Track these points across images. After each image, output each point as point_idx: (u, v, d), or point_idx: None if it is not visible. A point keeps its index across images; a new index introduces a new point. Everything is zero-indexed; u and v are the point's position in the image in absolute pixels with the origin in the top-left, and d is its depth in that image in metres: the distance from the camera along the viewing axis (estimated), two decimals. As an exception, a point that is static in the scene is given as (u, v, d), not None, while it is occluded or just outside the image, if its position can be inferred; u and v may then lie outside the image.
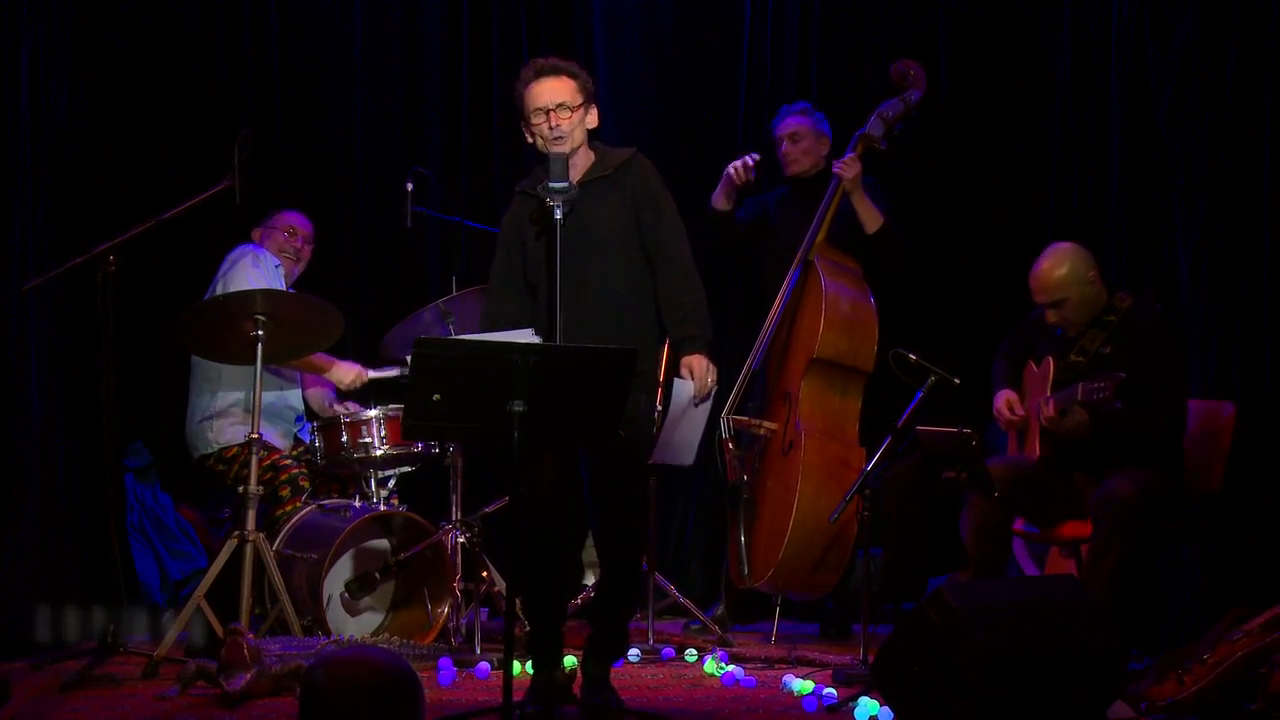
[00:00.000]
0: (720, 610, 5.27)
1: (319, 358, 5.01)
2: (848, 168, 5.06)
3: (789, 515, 4.84)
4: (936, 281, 5.82)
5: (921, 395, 4.29)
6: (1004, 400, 4.62)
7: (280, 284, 4.95)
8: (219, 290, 4.84)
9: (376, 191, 5.98)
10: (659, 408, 4.46)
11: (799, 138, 5.27)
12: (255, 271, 4.87)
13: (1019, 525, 4.67)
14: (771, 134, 5.39)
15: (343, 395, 5.19)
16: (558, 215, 3.69)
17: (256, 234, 5.10)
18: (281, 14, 5.95)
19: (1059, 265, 4.46)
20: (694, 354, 3.86)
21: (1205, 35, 4.86)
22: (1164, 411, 4.37)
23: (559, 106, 3.79)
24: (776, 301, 5.10)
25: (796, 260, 5.07)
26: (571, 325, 3.66)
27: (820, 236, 5.09)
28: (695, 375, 3.85)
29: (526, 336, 3.59)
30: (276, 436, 5.03)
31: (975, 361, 4.85)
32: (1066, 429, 4.36)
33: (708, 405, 3.94)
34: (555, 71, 3.83)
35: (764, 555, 4.94)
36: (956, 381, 4.30)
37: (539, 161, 3.88)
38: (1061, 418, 4.35)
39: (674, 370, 3.95)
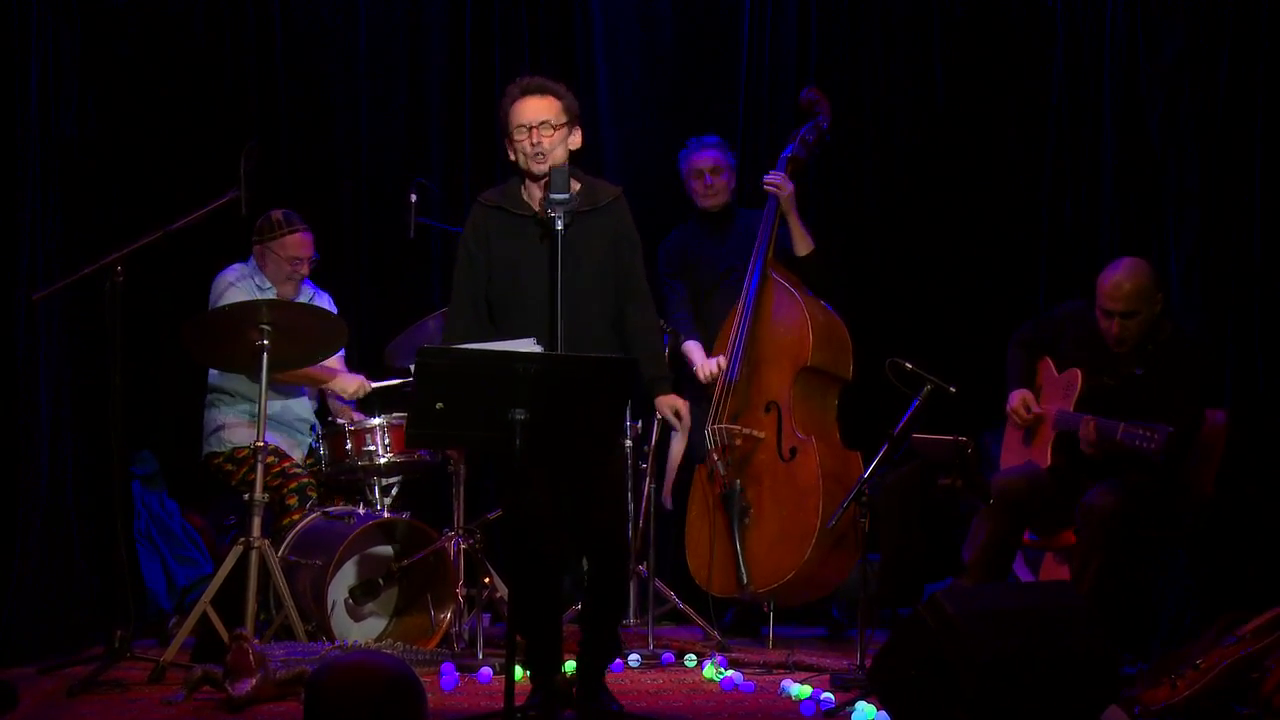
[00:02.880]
0: (733, 617, 5.33)
1: (319, 370, 5.04)
2: (783, 186, 5.15)
3: (815, 518, 4.89)
4: (931, 290, 5.87)
5: (918, 403, 4.33)
6: (1020, 399, 4.55)
7: None
8: None
9: (380, 202, 6.03)
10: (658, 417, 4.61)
11: (720, 171, 5.37)
12: (237, 299, 4.84)
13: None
14: (680, 164, 5.45)
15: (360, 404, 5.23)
16: (559, 226, 3.75)
17: (259, 250, 5.02)
18: (286, 27, 6.00)
19: (1140, 277, 4.35)
20: (669, 394, 3.97)
21: (1196, 49, 4.91)
22: (1190, 440, 4.31)
23: (542, 124, 3.83)
24: (736, 319, 5.15)
25: (750, 275, 5.14)
26: (566, 336, 3.71)
27: (769, 253, 5.17)
28: (683, 418, 3.96)
29: (528, 346, 3.64)
30: (290, 446, 5.07)
31: (970, 370, 4.89)
32: (1105, 453, 4.30)
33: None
34: (541, 90, 3.88)
35: (778, 559, 4.97)
36: (952, 390, 4.33)
37: (514, 174, 3.94)
38: (1102, 445, 4.27)
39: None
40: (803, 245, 5.23)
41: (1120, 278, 4.37)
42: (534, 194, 3.90)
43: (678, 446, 3.99)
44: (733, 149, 5.51)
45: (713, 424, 5.12)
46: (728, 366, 5.14)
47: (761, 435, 5.09)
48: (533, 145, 3.83)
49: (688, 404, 4.01)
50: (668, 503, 5.00)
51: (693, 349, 5.29)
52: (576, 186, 3.89)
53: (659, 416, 4.04)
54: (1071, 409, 4.44)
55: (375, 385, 5.11)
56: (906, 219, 5.99)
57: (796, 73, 6.06)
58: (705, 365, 5.20)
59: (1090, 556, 4.26)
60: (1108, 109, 5.25)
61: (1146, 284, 4.37)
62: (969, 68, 5.91)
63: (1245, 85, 4.80)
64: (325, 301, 5.20)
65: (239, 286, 4.94)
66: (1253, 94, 4.78)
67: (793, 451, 5.03)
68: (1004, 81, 5.84)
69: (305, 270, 5.05)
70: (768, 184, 5.17)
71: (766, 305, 5.15)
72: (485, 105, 6.13)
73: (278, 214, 5.02)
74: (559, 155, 3.85)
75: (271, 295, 4.95)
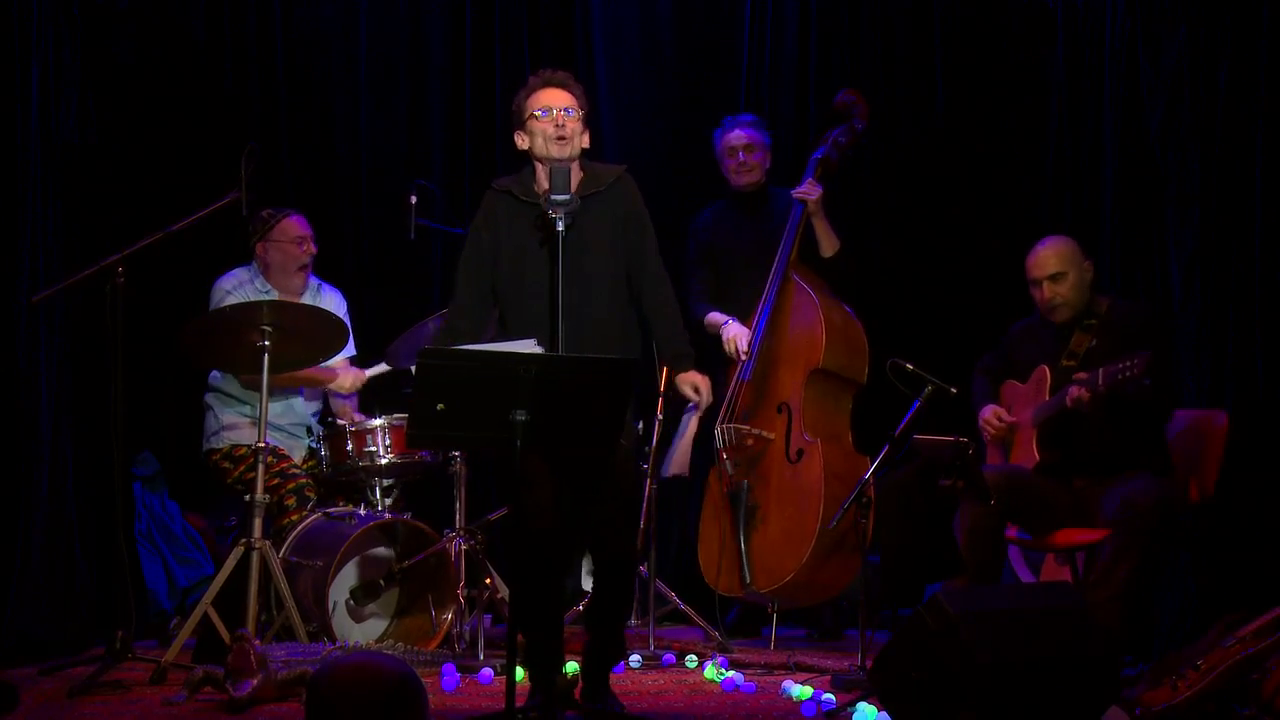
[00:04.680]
0: (735, 618, 5.35)
1: (319, 371, 5.05)
2: (811, 192, 5.18)
3: (815, 521, 4.91)
4: (933, 291, 5.88)
5: (919, 404, 4.34)
6: (992, 411, 4.66)
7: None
8: None
9: (380, 204, 6.04)
10: (659, 417, 4.73)
11: (755, 149, 5.37)
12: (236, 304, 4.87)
13: (1012, 533, 4.71)
14: (715, 144, 5.45)
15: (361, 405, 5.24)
16: (560, 227, 3.76)
17: (261, 248, 5.05)
18: (286, 29, 6.01)
19: (1059, 243, 4.61)
20: (690, 370, 3.97)
21: (1197, 51, 4.91)
22: (1169, 392, 4.43)
23: (567, 110, 3.88)
24: (756, 316, 5.17)
25: (772, 277, 5.16)
26: (568, 336, 3.72)
27: (793, 255, 5.19)
28: (703, 393, 3.96)
29: (529, 346, 3.64)
30: (290, 447, 5.07)
31: (971, 371, 4.90)
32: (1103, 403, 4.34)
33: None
34: (566, 85, 3.94)
35: (779, 561, 4.98)
36: (953, 391, 4.35)
37: (528, 164, 3.96)
38: (1094, 400, 4.31)
39: (669, 387, 4.01)
40: (828, 246, 5.25)
41: (1042, 249, 4.63)
42: (544, 183, 3.92)
43: (693, 422, 4.00)
44: (769, 129, 5.48)
45: (722, 423, 5.13)
46: (743, 367, 5.15)
47: (771, 436, 5.11)
48: (556, 127, 3.86)
49: (708, 380, 4.00)
50: (668, 471, 4.95)
51: (715, 315, 5.25)
52: (579, 176, 3.90)
53: (659, 417, 4.05)
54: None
55: (369, 373, 5.12)
56: (907, 219, 6.00)
57: (796, 73, 6.08)
58: (733, 339, 5.14)
59: (1126, 552, 4.26)
60: (1108, 110, 5.26)
61: (1066, 249, 4.60)
62: (969, 68, 5.92)
63: (1245, 86, 4.80)
64: (333, 296, 5.21)
65: (236, 294, 4.95)
66: (1253, 94, 4.79)
67: (799, 453, 5.04)
68: (1004, 82, 5.85)
69: (312, 249, 5.08)
70: (798, 194, 5.20)
71: (785, 307, 5.16)
72: (485, 106, 6.14)
73: (265, 210, 5.06)
74: (577, 146, 3.89)
75: (273, 297, 4.96)
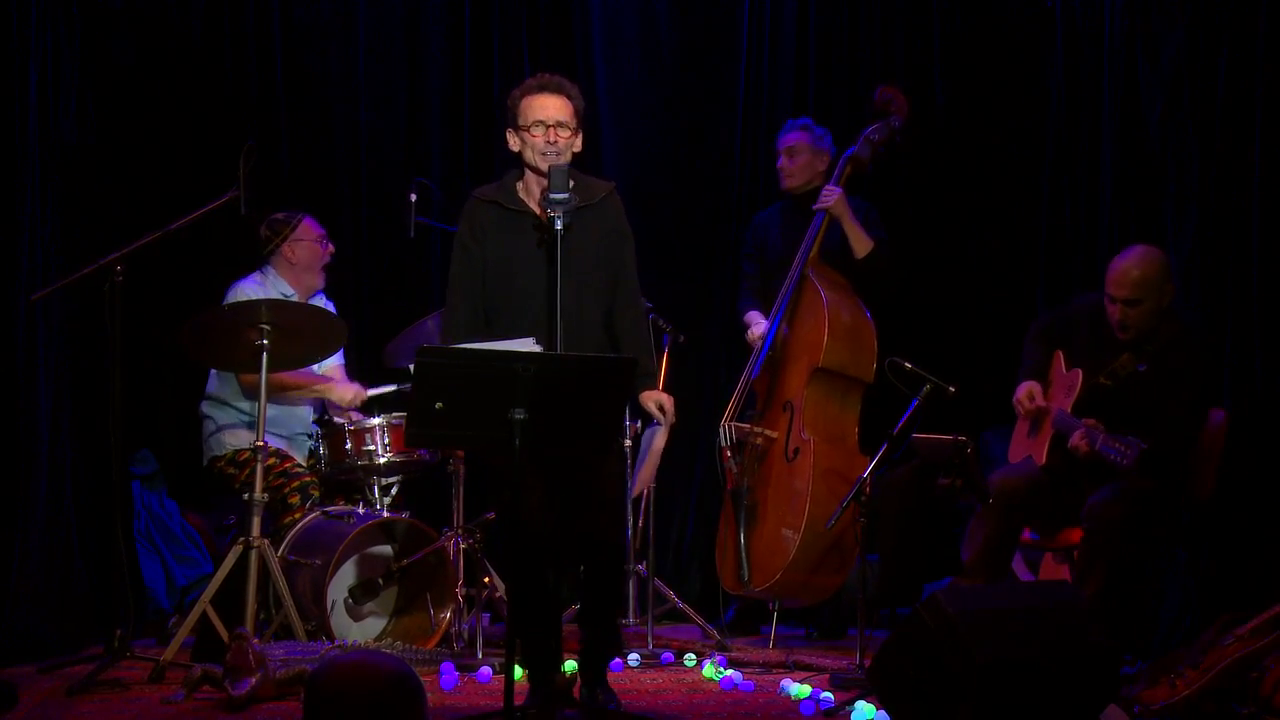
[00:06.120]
0: (733, 617, 5.35)
1: (316, 380, 5.05)
2: (828, 197, 5.15)
3: (801, 519, 4.91)
4: (932, 291, 5.88)
5: (917, 403, 4.34)
6: (1025, 391, 4.56)
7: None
8: None
9: (380, 202, 6.04)
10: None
11: (796, 153, 5.35)
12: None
13: (1025, 535, 4.70)
14: (775, 146, 5.46)
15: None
16: (558, 226, 3.76)
17: (289, 249, 5.05)
18: (285, 28, 6.01)
19: (1149, 266, 4.36)
20: (653, 390, 3.97)
21: (1195, 49, 4.91)
22: (1184, 437, 4.34)
23: (559, 124, 3.86)
24: (770, 317, 5.17)
25: (790, 275, 5.15)
26: (565, 335, 3.73)
27: (813, 254, 5.17)
28: (667, 411, 3.96)
29: (528, 345, 3.65)
30: (291, 447, 5.08)
31: (970, 369, 4.90)
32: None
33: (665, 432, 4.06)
34: (561, 90, 3.91)
35: (769, 559, 5.00)
36: (952, 390, 4.34)
37: (513, 168, 3.96)
38: (1091, 454, 4.26)
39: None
40: (860, 246, 5.19)
41: (1128, 265, 4.39)
42: (532, 190, 3.92)
43: (660, 441, 4.00)
44: (820, 125, 5.40)
45: (725, 421, 5.13)
46: (752, 365, 5.15)
47: (774, 435, 5.12)
48: (548, 143, 3.85)
49: (672, 399, 4.01)
50: (638, 487, 4.96)
51: (752, 314, 5.30)
52: (571, 184, 3.90)
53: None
54: (1069, 409, 4.44)
55: (372, 392, 5.12)
56: (906, 218, 5.99)
57: (795, 73, 6.08)
58: (752, 338, 5.21)
59: (1096, 560, 4.26)
60: (1107, 109, 5.26)
61: (1154, 275, 4.38)
62: (969, 68, 5.92)
63: (1244, 84, 4.81)
64: (329, 307, 5.21)
65: (254, 297, 4.95)
66: (1252, 93, 4.79)
67: (795, 452, 5.04)
68: (1003, 81, 5.85)
69: (331, 249, 5.13)
70: (817, 204, 5.17)
71: (800, 308, 5.16)
72: (484, 105, 6.14)
73: (279, 215, 5.10)
74: (568, 157, 3.88)
75: (294, 299, 4.97)
